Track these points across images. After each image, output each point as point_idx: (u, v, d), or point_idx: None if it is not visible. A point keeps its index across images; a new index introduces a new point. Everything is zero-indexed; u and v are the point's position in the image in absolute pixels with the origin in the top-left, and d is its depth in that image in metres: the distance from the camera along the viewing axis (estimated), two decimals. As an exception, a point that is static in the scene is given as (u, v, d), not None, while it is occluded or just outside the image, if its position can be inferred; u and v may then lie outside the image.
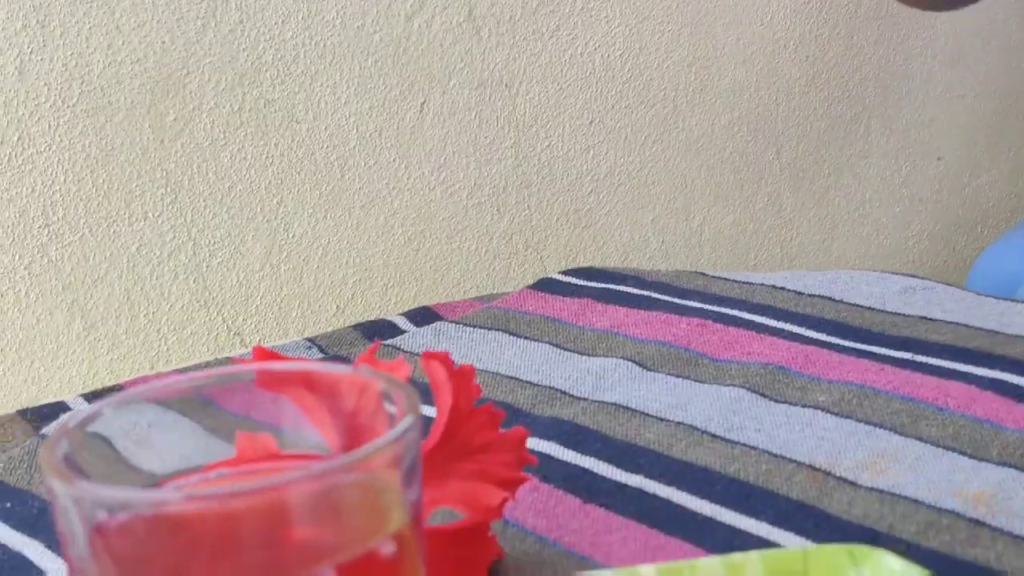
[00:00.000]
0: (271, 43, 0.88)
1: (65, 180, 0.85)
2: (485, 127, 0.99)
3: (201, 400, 0.39)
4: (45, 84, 0.81)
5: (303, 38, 0.90)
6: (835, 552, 0.43)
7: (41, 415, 0.66)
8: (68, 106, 0.83)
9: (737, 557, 0.43)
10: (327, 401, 0.38)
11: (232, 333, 0.89)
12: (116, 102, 0.84)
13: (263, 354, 0.45)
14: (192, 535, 0.33)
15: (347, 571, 0.30)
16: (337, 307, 0.95)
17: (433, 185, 0.99)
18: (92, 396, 0.67)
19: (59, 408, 0.66)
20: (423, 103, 0.95)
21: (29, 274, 0.85)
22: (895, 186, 1.25)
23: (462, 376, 0.47)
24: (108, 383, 0.71)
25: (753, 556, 0.43)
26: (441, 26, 0.94)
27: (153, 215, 0.88)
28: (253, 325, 0.92)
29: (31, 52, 0.81)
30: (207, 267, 0.90)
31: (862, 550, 0.42)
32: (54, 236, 0.85)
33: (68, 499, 0.30)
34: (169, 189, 0.88)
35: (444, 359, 0.46)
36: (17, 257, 0.84)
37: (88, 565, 0.30)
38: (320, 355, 0.74)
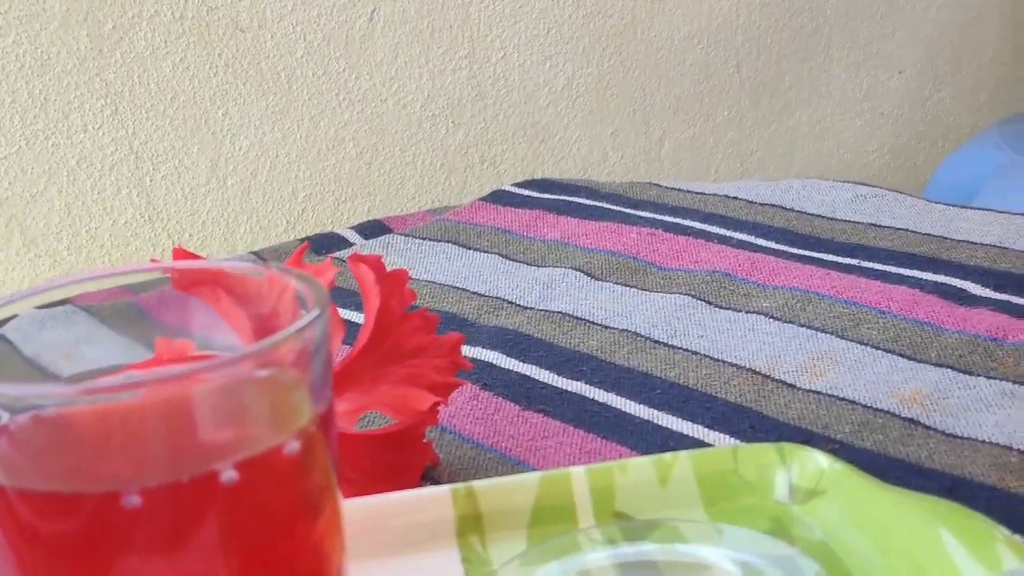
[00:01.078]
0: (213, -52, 0.86)
1: None
2: (438, 36, 0.97)
3: (131, 310, 0.39)
4: (-24, -9, 0.79)
5: (247, -57, 0.87)
6: (764, 450, 0.43)
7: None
8: (0, 13, 0.80)
9: (667, 456, 0.42)
10: (244, 303, 0.37)
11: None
12: (51, 8, 0.81)
13: (182, 255, 0.44)
14: (89, 433, 0.32)
15: (248, 468, 0.30)
16: (287, 222, 0.94)
17: (385, 96, 0.97)
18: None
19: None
20: (373, 11, 0.93)
21: (-35, 188, 0.83)
22: (856, 100, 1.24)
23: (394, 279, 0.46)
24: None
25: (683, 455, 0.42)
26: (391, -69, 0.91)
27: (93, 127, 0.86)
28: (200, 240, 0.90)
29: (-39, -43, 0.78)
30: (151, 180, 0.88)
31: (790, 447, 0.42)
32: (-9, 149, 0.83)
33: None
34: (109, 100, 0.86)
35: (374, 262, 0.45)
36: (-47, 171, 0.82)
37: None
38: (266, 268, 0.73)
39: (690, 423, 0.50)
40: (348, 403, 0.45)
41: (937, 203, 0.74)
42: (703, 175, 1.12)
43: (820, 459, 0.42)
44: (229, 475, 0.29)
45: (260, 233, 0.92)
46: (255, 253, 0.74)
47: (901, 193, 0.76)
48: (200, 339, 0.39)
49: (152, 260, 0.36)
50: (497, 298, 0.65)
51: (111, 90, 0.85)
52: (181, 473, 0.29)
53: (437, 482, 0.47)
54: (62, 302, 0.60)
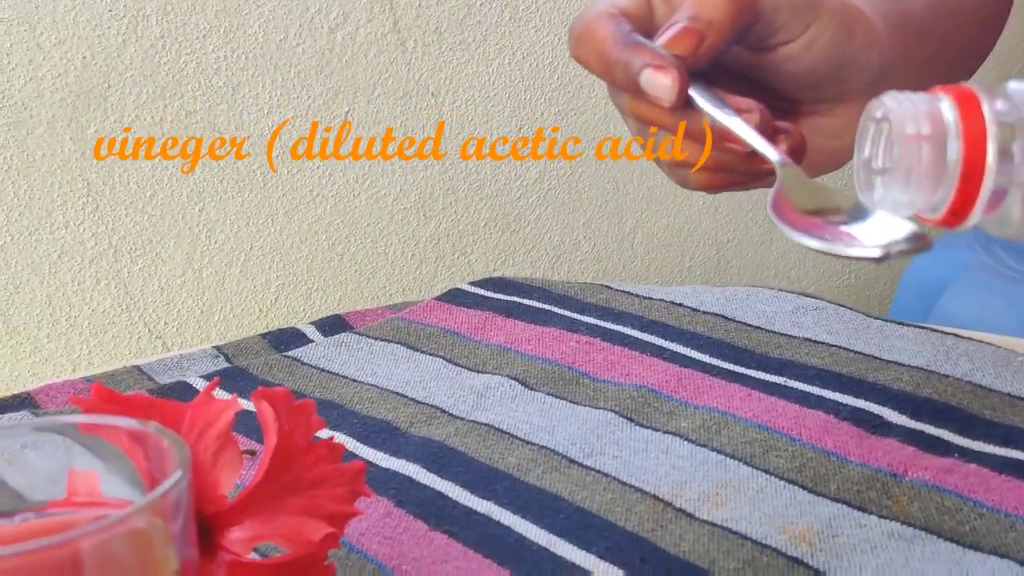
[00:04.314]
0: (192, 56, 0.90)
1: (-14, 190, 0.88)
2: (411, 135, 1.01)
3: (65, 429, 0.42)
4: (-35, 99, 0.84)
5: (225, 52, 0.92)
6: (633, 593, 0.45)
7: (-55, 424, 0.68)
8: (-12, 119, 0.86)
9: (541, 594, 0.45)
10: (137, 449, 0.40)
11: (154, 336, 0.92)
12: (37, 115, 0.86)
13: (101, 393, 0.47)
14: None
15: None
16: (260, 311, 0.98)
17: (358, 192, 1.01)
18: (0, 404, 0.70)
19: (-35, 417, 0.68)
20: (347, 112, 0.97)
21: (-50, 281, 0.88)
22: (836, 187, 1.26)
23: (299, 411, 0.49)
24: (30, 386, 0.73)
25: (555, 594, 0.45)
26: (366, 38, 0.96)
27: (75, 223, 0.90)
28: (175, 329, 0.94)
29: (-50, 68, 0.83)
30: (128, 273, 0.93)
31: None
32: (-26, 245, 0.88)
33: None
34: (91, 198, 0.90)
35: (280, 397, 0.48)
36: (-63, 265, 0.87)
37: None
38: (226, 364, 0.76)
39: (584, 552, 0.52)
40: (246, 531, 0.48)
41: (876, 319, 0.76)
42: (677, 263, 1.15)
43: (681, 603, 0.44)
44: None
45: (234, 321, 0.97)
46: (217, 348, 0.77)
47: (842, 307, 0.78)
48: (110, 470, 0.42)
49: (71, 398, 0.39)
50: (432, 406, 0.68)
51: (92, 189, 0.90)
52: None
53: (333, 607, 0.49)
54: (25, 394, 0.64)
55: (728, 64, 0.56)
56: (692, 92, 0.51)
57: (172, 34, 0.89)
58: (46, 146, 0.87)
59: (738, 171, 0.54)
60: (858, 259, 0.42)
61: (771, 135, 0.50)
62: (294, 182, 0.98)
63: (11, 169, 0.88)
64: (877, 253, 0.41)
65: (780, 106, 0.55)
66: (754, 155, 0.50)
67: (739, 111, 0.50)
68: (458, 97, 1.02)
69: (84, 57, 0.88)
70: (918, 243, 0.42)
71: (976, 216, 0.41)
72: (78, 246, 0.91)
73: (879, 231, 0.44)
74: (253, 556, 0.51)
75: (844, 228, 0.45)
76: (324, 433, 0.64)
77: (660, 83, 0.51)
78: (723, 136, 0.51)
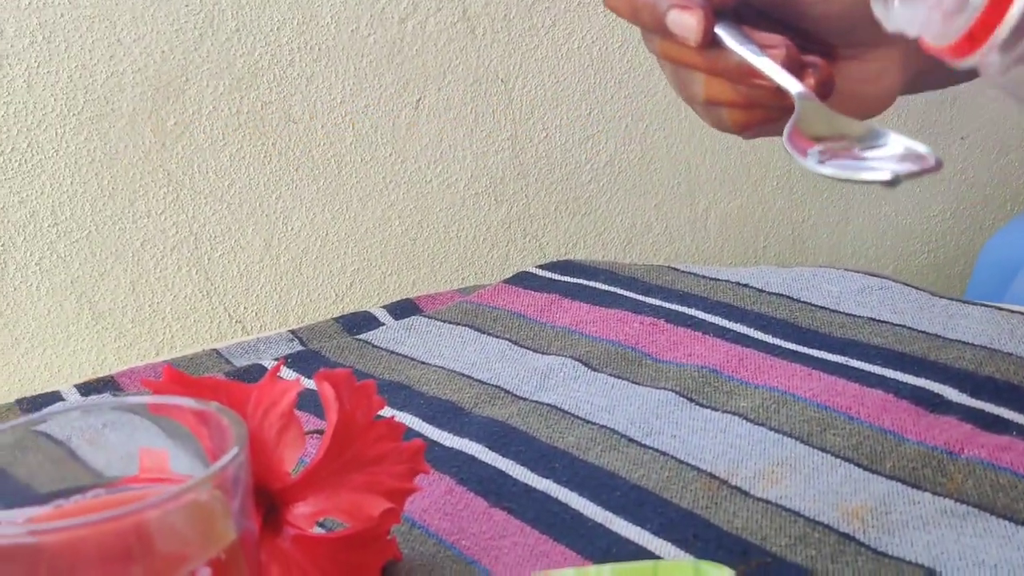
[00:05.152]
0: (267, 48, 0.93)
1: (72, 182, 0.91)
2: (481, 121, 1.02)
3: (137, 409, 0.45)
4: (51, 95, 0.88)
5: (299, 43, 0.94)
6: (682, 568, 0.46)
7: (36, 404, 0.71)
8: (73, 114, 0.89)
9: (591, 570, 0.46)
10: (201, 427, 0.43)
11: (234, 321, 0.95)
12: (119, 109, 0.90)
13: (171, 375, 0.50)
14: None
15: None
16: (335, 295, 1.00)
17: (430, 178, 1.03)
18: (85, 386, 0.73)
19: (54, 397, 0.72)
20: (419, 100, 0.99)
21: (40, 269, 0.92)
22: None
23: (361, 392, 0.51)
24: (116, 369, 0.76)
25: (605, 569, 0.46)
26: (435, 26, 0.97)
27: (156, 212, 0.94)
28: (254, 313, 0.97)
29: (38, 66, 0.87)
30: (209, 260, 0.96)
31: (707, 566, 0.46)
32: (63, 234, 0.92)
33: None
34: (171, 188, 0.94)
35: (341, 377, 0.50)
36: (28, 254, 0.91)
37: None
38: (300, 347, 0.79)
39: (639, 528, 0.53)
40: (309, 507, 0.50)
41: (943, 297, 0.75)
42: (751, 244, 1.15)
43: (728, 577, 0.45)
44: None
45: (310, 306, 0.99)
46: (292, 332, 0.80)
47: (909, 286, 0.78)
48: (174, 451, 0.45)
49: (143, 381, 0.42)
50: (496, 387, 0.69)
51: (173, 179, 0.93)
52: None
53: (393, 579, 0.51)
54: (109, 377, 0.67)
55: (762, 8, 0.56)
56: (718, 30, 0.52)
57: (247, 27, 0.92)
58: (127, 138, 0.91)
59: (770, 107, 0.54)
60: (869, 183, 0.43)
61: (798, 70, 0.50)
62: (367, 170, 1.00)
63: (95, 161, 0.91)
64: (887, 176, 0.42)
65: (815, 51, 0.55)
66: (783, 90, 0.50)
67: (765, 47, 0.50)
68: (528, 82, 1.03)
69: (163, 51, 0.91)
70: (928, 164, 0.42)
71: (996, 41, 0.39)
72: (160, 234, 0.94)
73: (891, 156, 0.44)
74: (317, 531, 0.53)
75: (857, 154, 0.45)
76: (387, 412, 0.66)
77: (686, 22, 0.52)
78: (750, 73, 0.51)
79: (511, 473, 0.59)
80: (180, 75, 0.91)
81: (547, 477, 0.58)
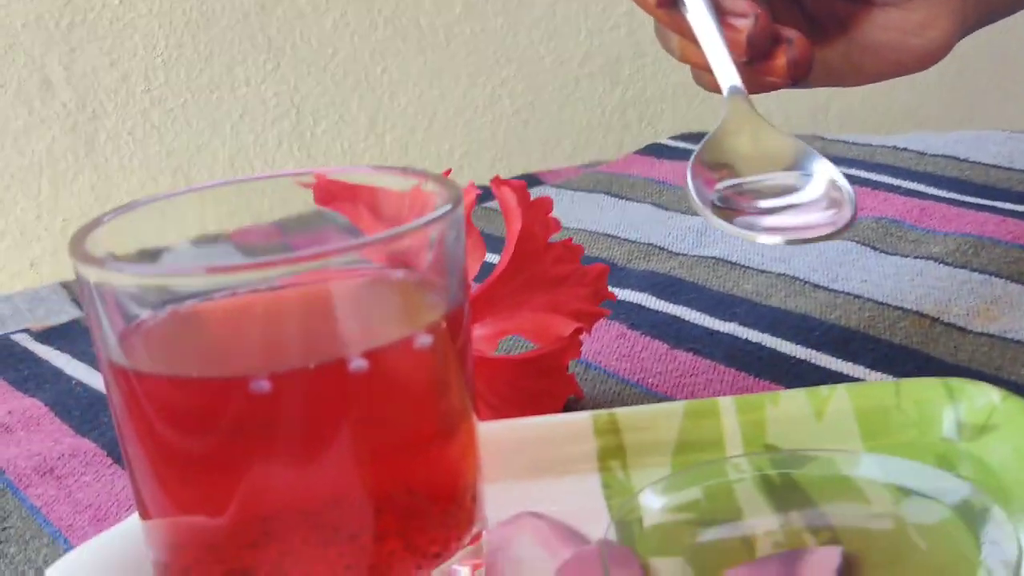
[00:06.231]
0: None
1: (167, 45, 0.85)
2: (598, -5, 0.96)
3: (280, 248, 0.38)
4: (146, -52, 0.82)
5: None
6: (930, 385, 0.40)
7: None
8: (169, -30, 0.83)
9: (823, 389, 0.40)
10: (384, 220, 0.36)
11: (337, 203, 0.89)
12: (216, -36, 0.84)
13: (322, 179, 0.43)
14: (222, 325, 0.32)
15: (377, 359, 0.29)
16: (443, 178, 0.94)
17: (543, 54, 0.96)
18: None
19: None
20: (532, -31, 0.92)
21: (133, 139, 0.86)
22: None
23: (538, 207, 0.45)
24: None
25: (840, 388, 0.40)
26: None
27: (256, 81, 0.88)
28: (358, 195, 0.91)
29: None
30: (311, 135, 0.90)
31: (959, 382, 0.39)
32: (156, 101, 0.86)
33: (98, 290, 0.29)
34: (271, 55, 0.87)
35: (518, 187, 0.44)
36: (120, 122, 0.85)
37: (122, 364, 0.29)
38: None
39: (851, 363, 0.47)
40: (488, 328, 0.44)
41: None
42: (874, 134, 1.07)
43: (992, 394, 0.38)
44: (358, 364, 0.29)
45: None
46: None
47: (1089, 142, 0.71)
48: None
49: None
50: (649, 244, 0.63)
51: (273, 45, 0.87)
52: (309, 360, 0.29)
53: (580, 413, 0.45)
54: (217, 238, 0.60)
55: None
56: None
57: None
58: (226, -1, 0.85)
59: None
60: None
61: (770, 44, 0.42)
62: (477, 43, 0.94)
63: (191, 22, 0.85)
64: (779, 243, 0.36)
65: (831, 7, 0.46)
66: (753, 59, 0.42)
67: (729, 15, 0.42)
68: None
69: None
70: (834, 225, 0.36)
71: None
72: (259, 105, 0.88)
73: (807, 202, 0.37)
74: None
75: (758, 206, 0.38)
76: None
77: None
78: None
79: (687, 318, 0.53)
80: (282, -68, 0.84)
81: (729, 320, 0.52)
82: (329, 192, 0.36)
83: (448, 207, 0.31)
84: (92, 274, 0.29)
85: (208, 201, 0.34)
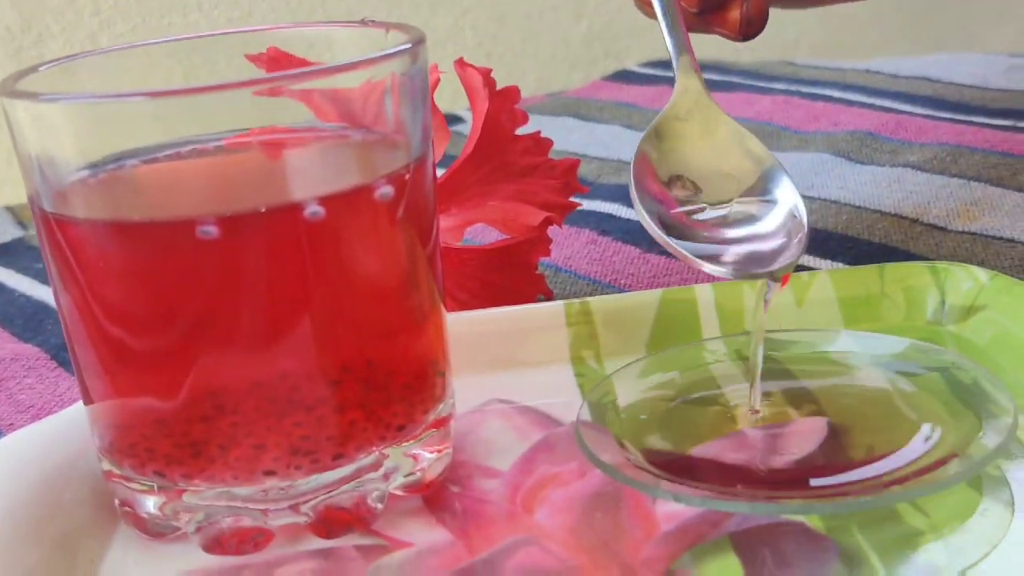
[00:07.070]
0: None
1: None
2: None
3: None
4: None
5: None
6: (914, 268, 0.38)
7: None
8: None
9: (804, 275, 0.38)
10: (344, 115, 0.34)
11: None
12: None
13: (276, 53, 0.41)
14: (168, 176, 0.29)
15: (335, 206, 0.27)
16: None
17: (506, -15, 0.94)
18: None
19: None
20: None
21: None
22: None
23: (504, 96, 0.43)
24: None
25: (821, 273, 0.38)
26: None
27: (208, 6, 0.84)
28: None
29: None
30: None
31: (944, 265, 0.38)
32: (105, 25, 0.82)
33: (33, 127, 0.26)
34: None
35: (484, 72, 0.42)
36: (67, 46, 0.82)
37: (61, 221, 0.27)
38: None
39: (829, 261, 0.45)
40: (454, 219, 0.42)
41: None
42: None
43: (979, 274, 0.37)
44: (313, 210, 0.26)
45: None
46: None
47: (1064, 61, 0.70)
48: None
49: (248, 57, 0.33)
50: (619, 160, 0.61)
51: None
52: (261, 204, 0.26)
53: (550, 310, 0.43)
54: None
55: None
56: None
57: None
58: None
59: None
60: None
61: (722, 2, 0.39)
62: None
63: None
64: (728, 275, 0.31)
65: None
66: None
67: None
68: None
69: None
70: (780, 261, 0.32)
71: None
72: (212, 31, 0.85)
73: (767, 232, 0.33)
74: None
75: (712, 215, 0.34)
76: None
77: None
78: None
79: (658, 225, 0.51)
80: None
81: (703, 226, 0.50)
82: (280, 65, 0.34)
83: (409, 44, 0.29)
84: (23, 107, 0.27)
85: (155, 56, 0.32)
